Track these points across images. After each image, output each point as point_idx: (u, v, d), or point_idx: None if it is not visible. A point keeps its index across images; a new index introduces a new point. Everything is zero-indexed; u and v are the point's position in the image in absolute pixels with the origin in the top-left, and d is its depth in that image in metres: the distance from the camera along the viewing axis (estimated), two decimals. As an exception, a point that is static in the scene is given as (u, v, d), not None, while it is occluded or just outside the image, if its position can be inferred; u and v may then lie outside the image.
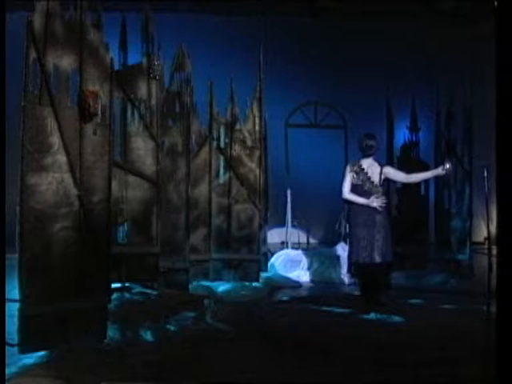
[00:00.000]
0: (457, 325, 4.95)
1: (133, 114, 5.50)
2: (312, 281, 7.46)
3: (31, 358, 3.78)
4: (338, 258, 7.76)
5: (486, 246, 6.12)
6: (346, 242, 8.34)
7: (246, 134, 7.06)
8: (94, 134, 4.23)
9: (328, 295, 6.54)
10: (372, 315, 5.31)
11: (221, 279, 6.85)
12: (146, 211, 5.55)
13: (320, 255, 7.80)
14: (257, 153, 7.08)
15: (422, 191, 8.27)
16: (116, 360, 3.89)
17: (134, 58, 5.67)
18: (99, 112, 4.22)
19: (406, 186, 8.08)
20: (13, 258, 3.77)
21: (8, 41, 3.78)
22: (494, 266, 3.46)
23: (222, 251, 6.94)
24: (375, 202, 5.80)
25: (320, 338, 4.57)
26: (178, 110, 6.07)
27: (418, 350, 4.24)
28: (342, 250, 7.46)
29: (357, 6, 9.07)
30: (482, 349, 3.89)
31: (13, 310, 3.81)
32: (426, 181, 8.23)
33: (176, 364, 3.89)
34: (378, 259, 5.76)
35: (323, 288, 7.12)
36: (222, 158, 7.01)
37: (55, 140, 3.96)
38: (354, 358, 4.04)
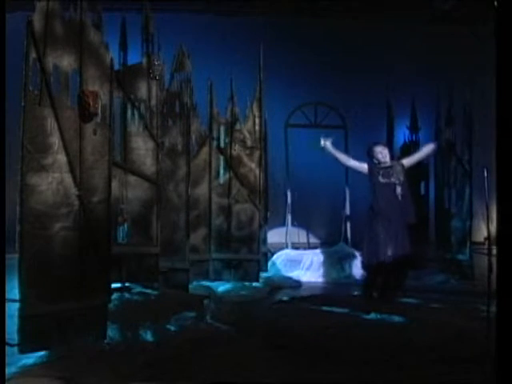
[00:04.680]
0: (457, 325, 4.94)
1: (133, 114, 5.50)
2: (312, 281, 7.47)
3: (31, 358, 3.78)
4: (338, 258, 7.79)
5: (486, 246, 6.12)
6: (346, 243, 8.41)
7: (246, 134, 7.07)
8: (94, 133, 4.23)
9: (328, 295, 6.54)
10: (372, 315, 5.30)
11: (221, 279, 6.85)
12: (146, 211, 5.55)
13: (320, 255, 7.81)
14: (257, 153, 7.08)
15: (422, 191, 8.28)
16: (116, 360, 3.88)
17: (134, 58, 5.67)
18: (99, 112, 4.22)
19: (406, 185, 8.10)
20: (13, 258, 3.77)
21: (8, 41, 3.78)
22: (494, 266, 3.46)
23: (222, 251, 6.94)
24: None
25: (320, 337, 4.57)
26: (177, 110, 6.07)
27: (417, 350, 4.23)
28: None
29: (357, 6, 9.07)
30: (482, 349, 3.89)
31: (13, 309, 3.81)
32: (426, 181, 8.26)
33: (176, 364, 3.89)
34: (400, 256, 5.77)
35: (323, 288, 7.13)
36: (222, 158, 7.02)
37: (55, 140, 3.96)
38: (354, 358, 4.04)
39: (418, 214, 6.12)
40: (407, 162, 6.17)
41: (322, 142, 6.08)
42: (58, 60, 4.01)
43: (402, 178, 5.92)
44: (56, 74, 4.00)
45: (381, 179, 5.90)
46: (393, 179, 5.90)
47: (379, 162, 5.99)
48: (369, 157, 6.08)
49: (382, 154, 6.00)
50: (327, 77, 9.21)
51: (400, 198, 5.86)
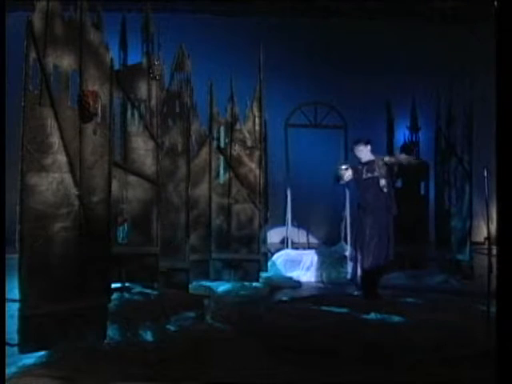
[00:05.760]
0: (456, 325, 4.94)
1: (133, 114, 5.50)
2: (312, 281, 7.47)
3: (31, 358, 3.78)
4: (338, 257, 7.78)
5: (485, 246, 6.13)
6: (346, 242, 8.40)
7: (246, 134, 7.07)
8: (94, 133, 4.23)
9: (328, 295, 6.54)
10: (372, 315, 5.30)
11: (221, 279, 6.85)
12: (146, 211, 5.55)
13: (320, 255, 7.81)
14: (257, 153, 7.08)
15: (422, 191, 8.28)
16: (116, 360, 3.88)
17: (134, 58, 5.67)
18: (99, 112, 4.22)
19: (406, 185, 8.11)
20: (13, 258, 3.77)
21: (8, 41, 3.78)
22: (494, 266, 3.46)
23: (222, 251, 6.94)
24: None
25: (320, 337, 4.57)
26: (177, 110, 6.07)
27: (417, 349, 4.23)
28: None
29: (357, 6, 9.07)
30: (482, 348, 3.89)
31: (13, 309, 3.81)
32: (426, 181, 8.27)
33: (176, 364, 3.89)
34: (384, 262, 6.12)
35: (323, 288, 7.13)
36: (222, 157, 7.02)
37: (55, 140, 3.96)
38: (354, 358, 4.04)
39: (399, 207, 6.38)
40: (388, 159, 6.41)
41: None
42: (57, 60, 4.02)
43: (383, 172, 6.19)
44: (56, 73, 4.00)
45: (364, 175, 6.23)
46: (376, 173, 6.19)
47: (361, 159, 6.33)
48: (352, 154, 6.49)
49: (363, 151, 6.32)
50: (327, 77, 9.21)
51: (385, 190, 6.15)
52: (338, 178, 6.44)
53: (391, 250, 6.19)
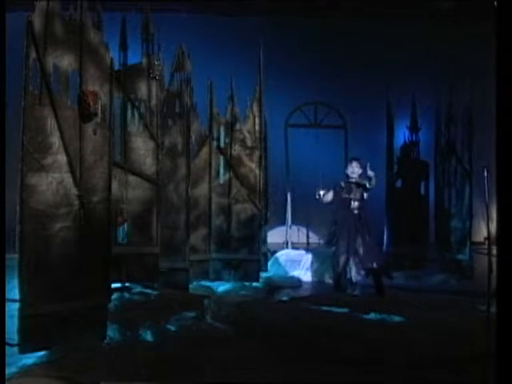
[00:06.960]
0: (456, 325, 4.94)
1: (133, 114, 5.51)
2: (312, 281, 7.47)
3: (31, 358, 3.78)
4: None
5: (485, 246, 6.13)
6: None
7: (246, 134, 7.07)
8: (94, 133, 4.23)
9: (328, 295, 6.54)
10: (372, 315, 5.31)
11: (221, 279, 6.85)
12: (146, 211, 5.56)
13: (320, 255, 7.81)
14: (257, 153, 7.08)
15: (422, 191, 8.28)
16: (116, 360, 3.88)
17: (134, 58, 5.67)
18: (99, 112, 4.22)
19: (406, 185, 8.12)
20: (13, 258, 3.77)
21: (8, 41, 3.78)
22: (494, 266, 3.46)
23: (221, 251, 6.94)
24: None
25: (320, 337, 4.57)
26: (177, 110, 6.07)
27: (417, 349, 4.24)
28: None
29: (356, 6, 9.07)
30: (482, 349, 3.89)
31: (13, 309, 3.81)
32: (426, 181, 8.27)
33: (176, 364, 3.89)
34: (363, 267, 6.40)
35: (323, 288, 7.13)
36: (222, 158, 7.02)
37: (55, 140, 3.97)
38: (354, 358, 4.04)
39: (372, 231, 6.58)
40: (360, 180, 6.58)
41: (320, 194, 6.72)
42: (58, 60, 4.02)
43: (357, 195, 6.49)
44: (56, 74, 4.01)
45: (343, 194, 6.56)
46: (351, 195, 6.51)
47: (348, 176, 6.60)
48: (346, 168, 6.71)
49: (353, 170, 6.58)
50: (327, 77, 9.21)
51: (355, 211, 6.46)
52: (319, 199, 6.72)
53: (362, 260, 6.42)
